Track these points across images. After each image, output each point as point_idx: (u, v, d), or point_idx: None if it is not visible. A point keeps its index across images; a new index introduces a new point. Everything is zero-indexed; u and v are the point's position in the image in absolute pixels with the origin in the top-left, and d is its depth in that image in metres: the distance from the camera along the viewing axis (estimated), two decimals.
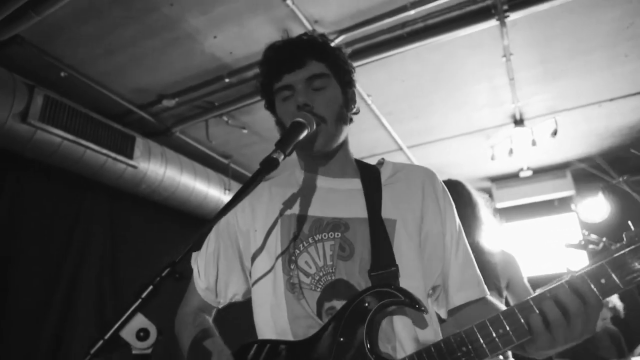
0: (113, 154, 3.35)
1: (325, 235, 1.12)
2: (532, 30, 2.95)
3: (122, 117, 3.67)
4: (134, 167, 3.52)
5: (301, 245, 1.13)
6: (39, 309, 3.27)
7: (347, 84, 1.25)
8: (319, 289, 1.09)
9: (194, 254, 1.29)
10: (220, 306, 1.30)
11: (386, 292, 1.02)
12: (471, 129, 4.28)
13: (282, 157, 1.01)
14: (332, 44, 2.89)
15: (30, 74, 2.99)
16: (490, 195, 5.41)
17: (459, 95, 3.71)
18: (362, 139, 4.39)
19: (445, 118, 4.08)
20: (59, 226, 3.50)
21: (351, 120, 1.32)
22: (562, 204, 5.37)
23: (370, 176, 1.22)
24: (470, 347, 0.91)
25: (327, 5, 2.71)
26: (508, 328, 0.89)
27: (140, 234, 4.09)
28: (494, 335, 0.90)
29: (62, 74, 3.08)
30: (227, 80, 3.28)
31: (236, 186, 4.57)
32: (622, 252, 0.85)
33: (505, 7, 2.70)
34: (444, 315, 1.18)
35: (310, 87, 1.16)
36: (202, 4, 2.62)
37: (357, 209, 1.15)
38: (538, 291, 0.92)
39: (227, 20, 2.77)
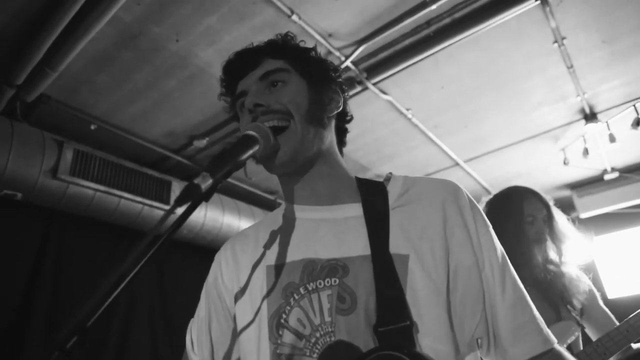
0: (149, 201, 3.30)
1: (320, 283, 0.86)
2: (584, 4, 2.50)
3: (158, 163, 3.66)
4: (172, 212, 3.44)
5: (292, 299, 0.87)
6: (94, 356, 3.22)
7: (316, 78, 1.00)
8: (315, 355, 0.81)
9: (190, 322, 1.08)
10: None
11: (389, 356, 0.73)
12: (534, 132, 3.78)
13: (210, 181, 0.74)
14: (352, 57, 2.63)
15: (61, 131, 3.05)
16: (572, 205, 4.75)
17: (509, 94, 3.27)
18: (411, 158, 4.04)
19: (500, 123, 3.63)
20: (104, 277, 3.48)
21: (344, 131, 1.09)
22: None
23: (374, 198, 0.94)
24: None
25: (338, 16, 2.49)
26: None
27: (189, 279, 3.99)
28: None
29: (92, 127, 3.11)
30: None
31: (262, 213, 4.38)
32: None
33: None
34: None
35: (264, 87, 0.96)
36: (207, 35, 2.52)
37: (357, 245, 0.87)
38: None
39: (236, 48, 2.63)
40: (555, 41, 2.75)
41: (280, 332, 0.85)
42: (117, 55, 2.60)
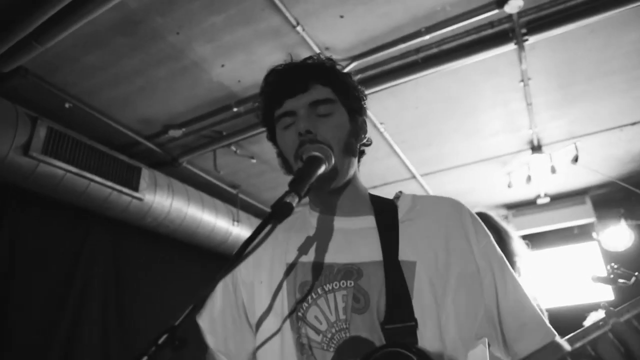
0: (118, 187, 3.24)
1: (336, 285, 0.97)
2: (552, 53, 2.84)
3: (128, 148, 3.58)
4: (140, 199, 3.41)
5: (309, 297, 0.97)
6: (41, 348, 3.11)
7: (356, 111, 1.10)
8: (332, 349, 0.92)
9: (199, 317, 1.13)
10: None
11: (397, 353, 0.85)
12: (487, 156, 4.14)
13: (297, 200, 0.85)
14: (344, 71, 2.72)
15: (34, 106, 2.92)
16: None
17: (473, 121, 3.59)
18: (374, 167, 4.26)
19: (460, 145, 3.95)
20: (62, 261, 3.37)
21: (363, 152, 1.18)
22: (582, 232, 5.15)
23: (385, 212, 1.06)
24: None
25: (338, 32, 2.62)
26: None
27: (147, 267, 3.94)
28: None
29: (67, 105, 3.00)
30: (235, 109, 3.18)
31: (245, 217, 4.43)
32: None
33: (524, 30, 2.59)
34: None
35: (314, 114, 1.03)
36: (209, 32, 2.55)
37: (371, 252, 0.99)
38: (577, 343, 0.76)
39: (235, 49, 2.69)
40: (522, 80, 3.07)
41: (300, 325, 0.96)
42: (111, 39, 2.55)
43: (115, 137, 3.43)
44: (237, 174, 4.23)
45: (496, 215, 2.33)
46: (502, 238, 2.30)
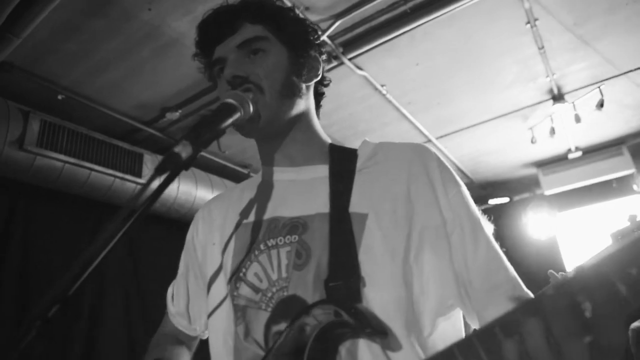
0: (120, 174, 3.25)
1: (280, 240, 0.89)
2: None
3: (130, 135, 3.58)
4: (151, 182, 3.40)
5: (252, 254, 0.90)
6: (62, 340, 3.20)
7: (297, 46, 0.98)
8: (269, 309, 0.84)
9: (173, 281, 1.13)
10: (202, 335, 1.11)
11: (332, 311, 0.75)
12: (504, 111, 3.86)
13: (191, 150, 0.73)
14: (328, 32, 2.55)
15: (26, 100, 2.94)
16: (537, 182, 4.92)
17: (482, 73, 3.33)
18: (385, 134, 4.08)
19: (472, 102, 3.69)
20: (76, 253, 3.43)
21: (321, 94, 1.09)
22: (621, 185, 4.75)
23: (342, 161, 0.96)
24: None
25: None
26: None
27: (162, 253, 3.97)
28: None
29: (60, 97, 3.00)
30: None
31: None
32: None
33: None
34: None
35: (244, 56, 0.93)
36: (181, 4, 2.45)
37: (319, 203, 0.90)
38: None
39: None
40: (528, 22, 2.79)
41: (238, 285, 0.89)
42: (86, 24, 2.50)
43: (116, 126, 3.43)
44: (246, 152, 4.15)
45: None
46: None
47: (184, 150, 0.73)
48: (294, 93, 0.97)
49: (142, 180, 3.37)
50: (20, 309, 2.97)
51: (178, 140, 0.76)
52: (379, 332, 0.75)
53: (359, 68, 3.09)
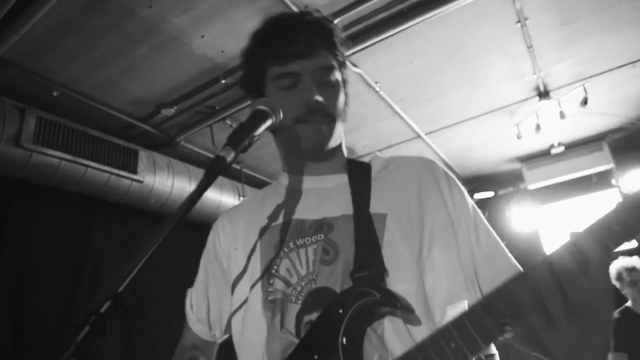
0: (116, 170, 3.24)
1: (307, 240, 0.97)
2: None
3: (124, 132, 3.57)
4: (140, 181, 3.41)
5: (282, 252, 0.98)
6: (56, 340, 3.19)
7: (346, 79, 1.11)
8: (299, 301, 0.92)
9: (188, 290, 1.16)
10: (218, 340, 1.15)
11: (361, 292, 0.84)
12: (492, 107, 3.97)
13: (233, 154, 0.82)
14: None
15: (21, 97, 2.91)
16: (521, 177, 5.07)
17: (472, 71, 3.43)
18: (377, 129, 4.16)
19: (462, 98, 3.79)
20: (72, 249, 3.42)
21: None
22: (601, 180, 4.94)
23: (359, 171, 1.06)
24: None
25: None
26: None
27: (157, 249, 3.98)
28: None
29: (55, 93, 2.98)
30: (223, 81, 3.11)
31: (250, 191, 4.41)
32: None
33: None
34: None
35: (317, 81, 1.01)
36: (183, 2, 2.47)
37: (342, 206, 0.99)
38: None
39: (212, 17, 2.60)
40: (519, 21, 2.89)
41: (272, 282, 0.96)
42: (85, 20, 2.49)
43: (110, 122, 3.41)
44: None
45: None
46: None
47: (227, 154, 0.82)
48: (345, 119, 1.08)
49: (137, 177, 3.36)
50: (16, 304, 2.95)
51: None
52: (407, 307, 0.84)
53: (354, 65, 3.15)
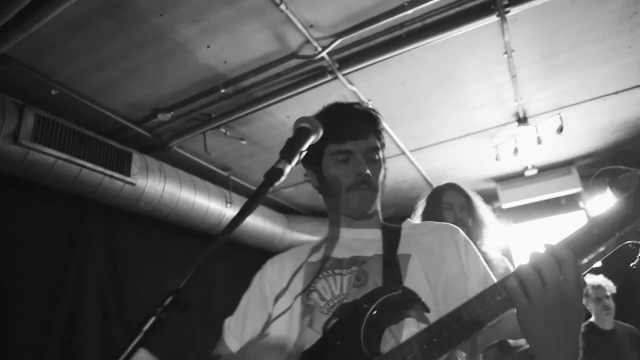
0: (109, 172, 3.26)
1: (344, 271, 1.18)
2: (534, 24, 2.86)
3: (118, 133, 3.59)
4: (132, 184, 3.43)
5: (320, 275, 1.19)
6: (40, 336, 3.16)
7: (385, 157, 1.33)
8: (330, 313, 1.10)
9: (226, 320, 1.30)
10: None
11: (383, 289, 1.03)
12: (473, 130, 4.19)
13: (288, 166, 0.96)
14: (328, 49, 2.93)
15: (20, 94, 2.91)
16: (496, 196, 5.31)
17: (459, 95, 3.63)
18: None
19: (446, 119, 3.99)
20: (57, 248, 3.40)
21: None
22: (569, 202, 5.25)
23: (391, 229, 1.28)
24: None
25: (322, 9, 2.63)
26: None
27: (142, 252, 3.99)
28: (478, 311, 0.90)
29: (53, 92, 2.99)
30: (222, 90, 3.19)
31: (237, 199, 4.47)
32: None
33: (506, 1, 2.62)
34: None
35: (366, 158, 1.23)
36: (193, 13, 2.55)
37: (374, 249, 1.21)
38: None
39: (219, 29, 2.69)
40: (506, 52, 3.10)
41: (310, 296, 1.16)
42: (95, 22, 2.54)
43: (105, 123, 3.43)
44: (228, 156, 4.25)
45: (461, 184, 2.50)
46: (471, 205, 2.46)
47: (283, 165, 0.96)
48: (383, 191, 1.31)
49: (130, 179, 3.39)
50: (5, 301, 2.93)
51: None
52: (424, 304, 1.00)
53: (350, 83, 3.29)
